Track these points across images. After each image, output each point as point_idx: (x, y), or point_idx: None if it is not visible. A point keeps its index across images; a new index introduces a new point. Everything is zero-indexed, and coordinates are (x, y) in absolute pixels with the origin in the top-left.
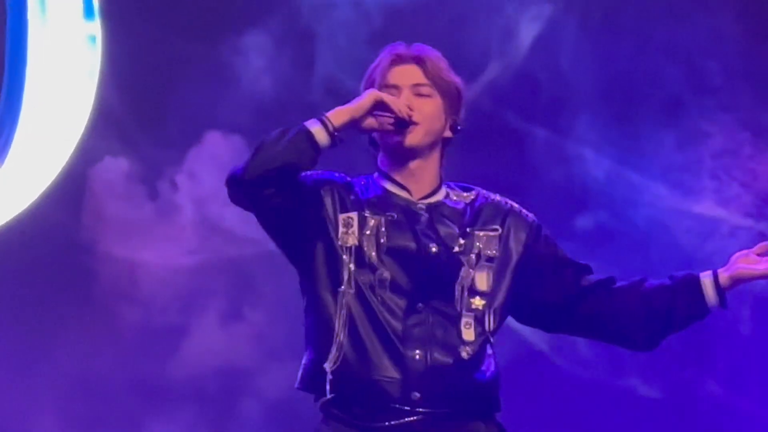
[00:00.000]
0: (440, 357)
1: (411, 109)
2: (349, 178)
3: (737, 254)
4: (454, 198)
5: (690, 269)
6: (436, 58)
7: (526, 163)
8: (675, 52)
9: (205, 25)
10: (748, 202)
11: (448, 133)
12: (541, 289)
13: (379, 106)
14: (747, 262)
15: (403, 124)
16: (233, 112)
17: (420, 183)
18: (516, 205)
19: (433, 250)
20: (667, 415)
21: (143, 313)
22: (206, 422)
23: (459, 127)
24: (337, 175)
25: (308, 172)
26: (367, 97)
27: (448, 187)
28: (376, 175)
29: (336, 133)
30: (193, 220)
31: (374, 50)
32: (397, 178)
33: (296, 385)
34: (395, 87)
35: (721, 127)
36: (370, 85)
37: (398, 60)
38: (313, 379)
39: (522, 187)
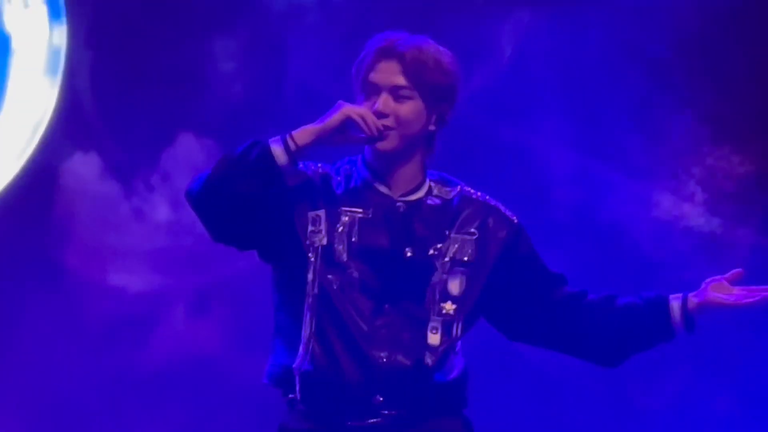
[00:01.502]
0: (404, 360)
1: (386, 115)
2: (328, 169)
3: (710, 280)
4: (436, 193)
5: (646, 270)
6: (421, 53)
7: (492, 164)
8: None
9: (175, 28)
10: (707, 200)
11: (432, 127)
12: (511, 293)
13: (349, 122)
14: (718, 290)
15: (375, 138)
16: (205, 114)
17: (401, 180)
18: (498, 205)
19: (408, 254)
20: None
21: (112, 306)
22: (175, 413)
23: (446, 119)
24: (314, 167)
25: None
26: (335, 116)
27: (432, 179)
28: (360, 161)
29: (299, 153)
30: (167, 219)
31: (344, 51)
32: (379, 171)
33: (264, 380)
34: (375, 86)
35: (682, 125)
36: (356, 76)
37: (381, 55)
38: (280, 377)
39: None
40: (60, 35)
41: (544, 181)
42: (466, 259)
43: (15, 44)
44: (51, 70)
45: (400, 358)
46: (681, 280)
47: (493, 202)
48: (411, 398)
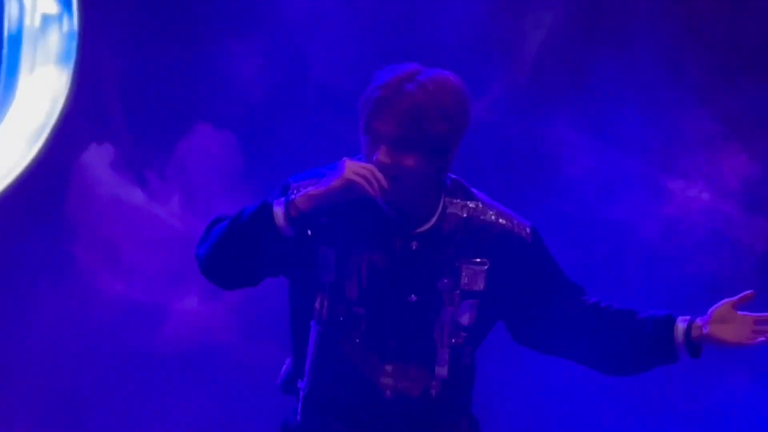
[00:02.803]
0: (410, 393)
1: (389, 164)
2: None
3: (717, 307)
4: (450, 211)
5: (656, 265)
6: (424, 103)
7: (507, 156)
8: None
9: (194, 20)
10: (714, 198)
11: (440, 169)
12: (525, 302)
13: (352, 189)
14: (724, 319)
15: (378, 191)
16: (224, 107)
17: (417, 212)
18: (510, 223)
19: (413, 299)
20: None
21: (125, 290)
22: (187, 397)
23: (452, 160)
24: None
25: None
26: (338, 182)
27: (449, 192)
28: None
29: (300, 218)
30: (180, 207)
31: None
32: (394, 205)
33: (277, 382)
34: (377, 133)
35: (695, 121)
36: (361, 109)
37: (384, 104)
38: (290, 386)
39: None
40: (72, 23)
41: (556, 175)
42: (476, 289)
43: (27, 33)
44: (64, 58)
45: (405, 390)
46: (690, 275)
47: (504, 222)
48: (415, 427)
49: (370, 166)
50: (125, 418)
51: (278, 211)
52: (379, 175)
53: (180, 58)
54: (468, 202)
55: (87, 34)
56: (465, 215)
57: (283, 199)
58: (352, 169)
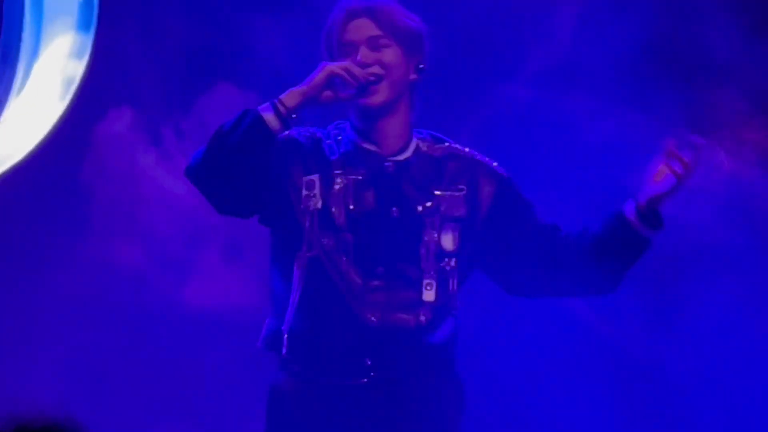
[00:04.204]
0: (398, 321)
1: (370, 64)
2: (319, 133)
3: (647, 174)
4: (425, 150)
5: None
6: (387, 5)
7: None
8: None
9: None
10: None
11: (413, 76)
12: (506, 245)
13: (336, 78)
14: (657, 177)
15: (364, 88)
16: (246, 72)
17: (390, 137)
18: (487, 159)
19: (394, 213)
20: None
21: (142, 251)
22: (206, 361)
23: (422, 67)
24: (305, 132)
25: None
26: (320, 75)
27: (420, 136)
28: (348, 125)
29: (291, 116)
30: None
31: None
32: (367, 132)
33: (258, 344)
34: (351, 44)
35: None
36: (328, 45)
37: (350, 15)
38: (273, 339)
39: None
40: None
41: (572, 145)
42: (456, 214)
43: (48, 1)
44: (83, 26)
45: (393, 319)
46: (707, 243)
47: (481, 158)
48: (402, 359)
49: (348, 62)
50: (146, 379)
51: (267, 114)
52: (359, 70)
53: (202, 21)
54: (442, 144)
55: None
56: (439, 153)
57: (267, 103)
58: (333, 64)
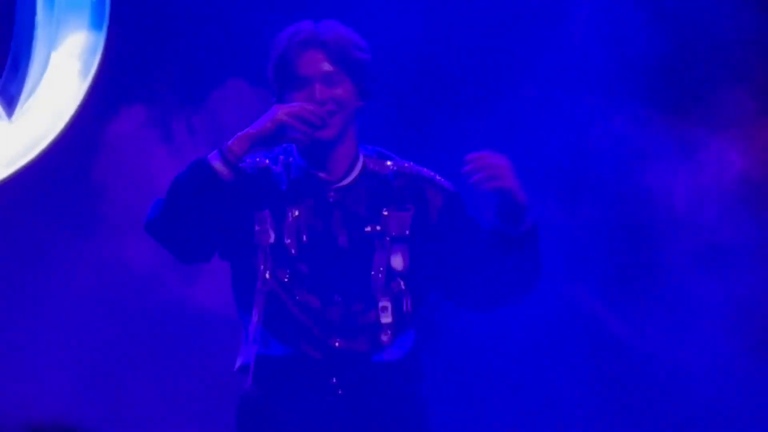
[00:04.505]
0: (359, 345)
1: (325, 102)
2: (266, 160)
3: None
4: (372, 167)
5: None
6: (340, 37)
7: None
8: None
9: None
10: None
11: (360, 103)
12: (453, 259)
13: (286, 125)
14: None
15: (315, 127)
16: (259, 65)
17: (338, 162)
18: (431, 174)
19: (342, 239)
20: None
21: (155, 249)
22: (218, 360)
23: (371, 93)
24: (252, 164)
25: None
26: (268, 125)
27: (366, 152)
28: (295, 149)
29: (239, 162)
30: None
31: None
32: (317, 158)
33: (235, 369)
34: (305, 78)
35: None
36: (279, 76)
37: (303, 47)
38: (243, 369)
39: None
40: None
41: (587, 144)
42: (405, 234)
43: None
44: (96, 24)
45: (355, 342)
46: (719, 241)
47: (426, 173)
48: (367, 378)
49: (299, 104)
50: (159, 380)
51: (216, 163)
52: (311, 112)
53: (212, 18)
54: (387, 162)
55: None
56: (386, 171)
57: (215, 151)
58: (284, 110)
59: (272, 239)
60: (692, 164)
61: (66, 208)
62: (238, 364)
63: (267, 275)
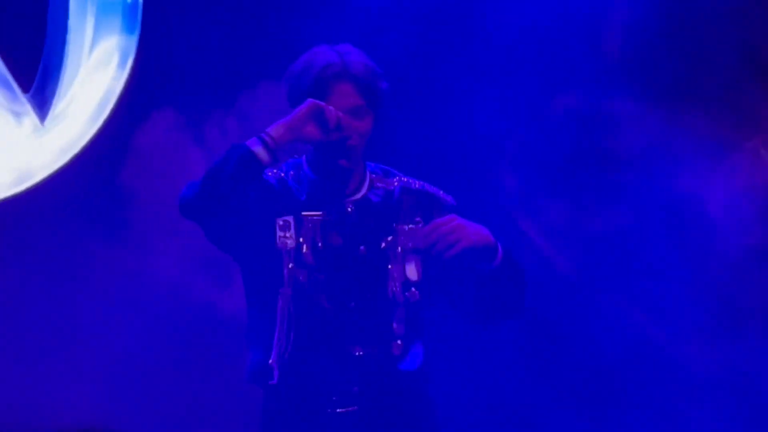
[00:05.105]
0: (376, 351)
1: (349, 136)
2: (282, 174)
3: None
4: (378, 185)
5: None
6: (367, 70)
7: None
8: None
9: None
10: None
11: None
12: (458, 273)
13: (316, 114)
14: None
15: (336, 132)
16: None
17: (350, 180)
18: (435, 189)
19: (362, 249)
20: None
21: (185, 253)
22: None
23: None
24: (271, 173)
25: None
26: (306, 108)
27: (371, 171)
28: (305, 163)
29: (278, 148)
30: None
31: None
32: (329, 176)
33: (246, 379)
34: (334, 107)
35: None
36: (300, 94)
37: (335, 80)
38: (261, 374)
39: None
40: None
41: (620, 147)
42: (416, 246)
43: (92, 4)
44: (128, 29)
45: (372, 349)
46: (750, 246)
47: (431, 189)
48: (385, 386)
49: (332, 108)
50: (189, 374)
51: (256, 147)
52: (337, 113)
53: (243, 20)
54: (393, 179)
55: (150, 3)
56: (391, 187)
57: (254, 138)
58: (318, 103)
59: (293, 244)
60: (725, 167)
61: (98, 212)
62: (251, 368)
63: (290, 278)
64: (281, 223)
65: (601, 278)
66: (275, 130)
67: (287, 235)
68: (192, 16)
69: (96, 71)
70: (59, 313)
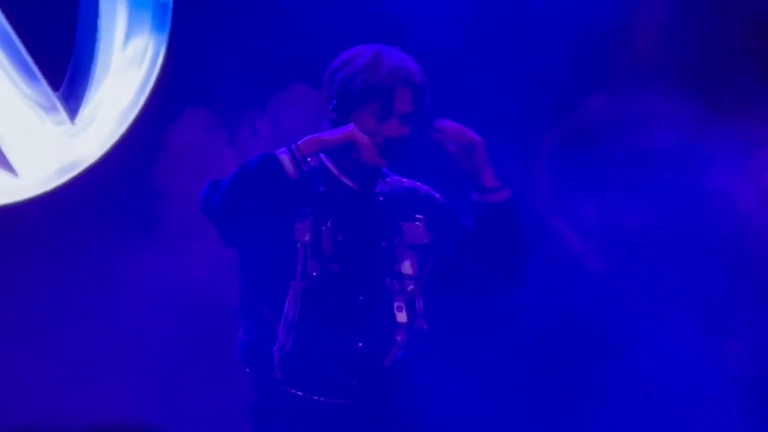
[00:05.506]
0: (379, 343)
1: (394, 140)
2: (303, 169)
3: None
4: (388, 183)
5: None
6: (424, 81)
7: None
8: None
9: None
10: None
11: None
12: (450, 257)
13: (353, 143)
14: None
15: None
16: (321, 69)
17: (367, 176)
18: (426, 188)
19: (373, 244)
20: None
21: (213, 250)
22: None
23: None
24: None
25: None
26: (343, 136)
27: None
28: (324, 156)
29: (305, 162)
30: None
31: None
32: (350, 170)
33: (238, 358)
34: (389, 109)
35: None
36: (367, 92)
37: (401, 84)
38: (256, 357)
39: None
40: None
41: (654, 145)
42: (419, 242)
43: (121, 3)
44: (158, 28)
45: (376, 343)
46: None
47: (419, 185)
48: (381, 380)
49: (368, 140)
50: (223, 371)
51: (284, 158)
52: (378, 146)
53: (275, 21)
54: (386, 178)
55: (180, 2)
56: (390, 187)
57: (284, 147)
58: (359, 134)
59: (309, 237)
60: (757, 163)
61: (128, 211)
62: (245, 349)
63: (303, 271)
64: (300, 215)
65: (633, 277)
66: (307, 145)
67: (304, 226)
68: (223, 15)
69: (127, 70)
70: (91, 310)
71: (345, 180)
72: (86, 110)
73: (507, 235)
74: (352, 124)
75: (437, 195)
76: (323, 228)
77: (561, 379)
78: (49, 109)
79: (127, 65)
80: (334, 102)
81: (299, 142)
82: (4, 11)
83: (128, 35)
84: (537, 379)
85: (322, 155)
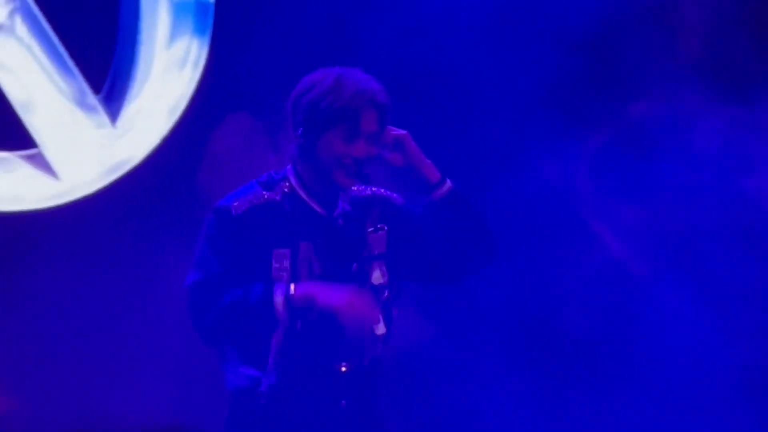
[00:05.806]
0: (362, 361)
1: (361, 161)
2: (268, 193)
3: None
4: (351, 194)
5: None
6: (388, 101)
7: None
8: None
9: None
10: None
11: None
12: (420, 250)
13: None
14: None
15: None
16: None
17: (333, 199)
18: (386, 192)
19: (351, 265)
20: None
21: None
22: None
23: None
24: (256, 199)
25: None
26: (337, 309)
27: None
28: (291, 173)
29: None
30: None
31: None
32: (318, 193)
33: (229, 389)
34: (358, 132)
35: None
36: (332, 114)
37: (368, 105)
38: (245, 387)
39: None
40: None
41: (689, 146)
42: (383, 251)
43: (164, 6)
44: (200, 30)
45: (359, 359)
46: None
47: (381, 194)
48: (368, 390)
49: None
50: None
51: (278, 300)
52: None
53: (318, 24)
54: (347, 193)
55: (222, 5)
56: (359, 196)
57: (282, 287)
58: (356, 305)
59: (287, 276)
60: None
61: (169, 214)
62: (236, 385)
63: (283, 312)
64: (277, 254)
65: (672, 278)
66: (301, 299)
67: (282, 266)
68: (266, 18)
69: (169, 74)
70: (135, 311)
71: (314, 205)
72: (127, 114)
73: (467, 222)
74: (354, 288)
75: (394, 195)
76: (298, 260)
77: (575, 375)
78: (91, 112)
79: (169, 69)
80: (301, 128)
81: (296, 293)
82: (46, 13)
83: (170, 38)
84: (538, 379)
85: (292, 180)
